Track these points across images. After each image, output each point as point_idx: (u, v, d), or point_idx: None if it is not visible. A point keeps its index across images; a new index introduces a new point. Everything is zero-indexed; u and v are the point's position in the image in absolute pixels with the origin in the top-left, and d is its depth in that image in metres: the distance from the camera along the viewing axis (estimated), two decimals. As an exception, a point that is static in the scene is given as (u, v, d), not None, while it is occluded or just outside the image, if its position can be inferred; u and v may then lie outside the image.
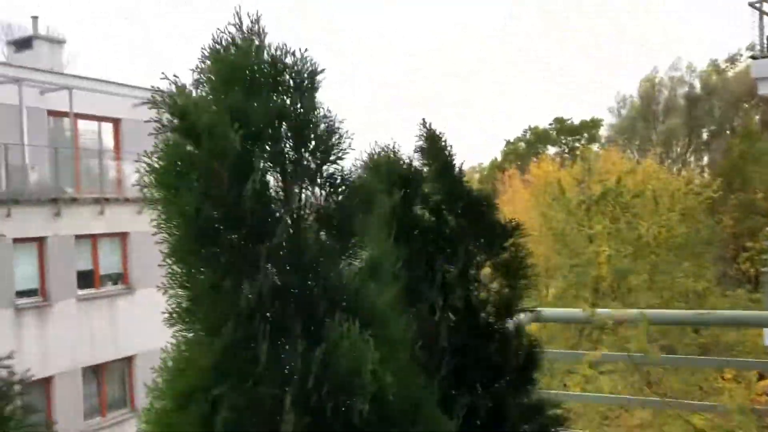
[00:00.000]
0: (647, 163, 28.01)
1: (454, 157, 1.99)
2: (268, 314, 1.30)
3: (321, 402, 1.26)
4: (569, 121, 46.60)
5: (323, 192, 1.44)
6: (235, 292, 1.29)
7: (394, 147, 1.94)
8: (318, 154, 1.43)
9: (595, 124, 45.81)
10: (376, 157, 1.90)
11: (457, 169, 1.98)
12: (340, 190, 1.45)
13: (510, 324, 2.00)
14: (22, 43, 19.20)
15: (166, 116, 1.36)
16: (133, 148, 18.12)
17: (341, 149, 1.46)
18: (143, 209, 17.56)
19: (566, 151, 45.16)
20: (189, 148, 1.35)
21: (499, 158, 46.82)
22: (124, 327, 17.15)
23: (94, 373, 16.94)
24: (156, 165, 1.37)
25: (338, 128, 1.46)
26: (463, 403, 1.79)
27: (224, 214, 1.32)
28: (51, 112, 16.86)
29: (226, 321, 1.30)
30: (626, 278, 22.29)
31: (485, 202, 1.99)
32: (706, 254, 24.84)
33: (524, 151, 46.14)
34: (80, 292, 16.72)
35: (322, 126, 1.44)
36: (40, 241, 15.76)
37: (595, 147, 42.36)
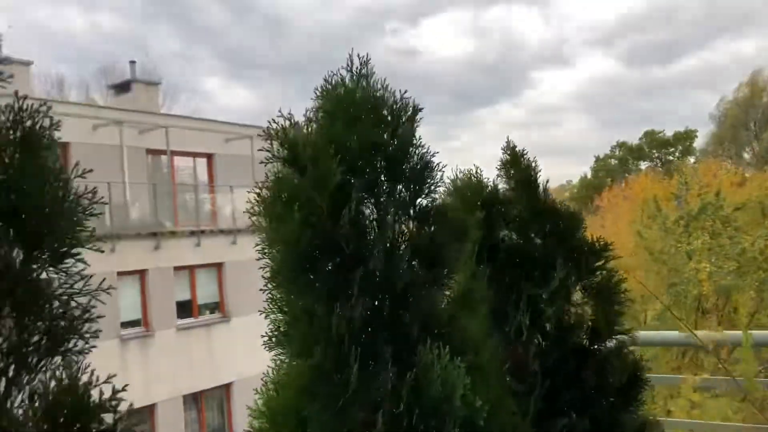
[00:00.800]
0: (755, 175, 26.56)
1: (538, 174, 1.94)
2: (359, 339, 1.33)
3: (411, 427, 1.27)
4: (661, 134, 44.95)
5: (416, 222, 1.48)
6: (328, 317, 1.34)
7: (476, 170, 1.91)
8: (411, 186, 1.48)
9: (688, 135, 44.00)
10: (459, 182, 1.88)
11: (541, 187, 1.92)
12: (431, 220, 1.48)
13: (610, 346, 1.92)
14: (122, 87, 20.39)
15: (276, 147, 1.44)
16: (226, 181, 18.86)
17: (434, 182, 1.50)
18: (236, 239, 18.16)
19: (659, 165, 43.51)
20: (294, 179, 1.42)
21: (589, 175, 45.63)
22: (221, 355, 17.66)
23: (194, 400, 17.47)
24: (264, 195, 1.45)
25: (431, 161, 1.50)
26: (561, 425, 1.74)
27: (322, 241, 1.38)
28: (149, 151, 17.74)
29: (318, 344, 1.34)
30: (731, 296, 21.11)
31: (573, 220, 1.92)
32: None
33: (615, 167, 44.79)
34: (179, 321, 17.36)
35: (416, 159, 1.49)
36: (142, 273, 16.50)
37: (691, 159, 40.66)
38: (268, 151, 1.44)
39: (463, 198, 1.87)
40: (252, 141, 19.24)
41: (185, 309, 17.80)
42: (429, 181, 1.50)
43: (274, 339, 1.43)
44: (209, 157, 19.44)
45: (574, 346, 1.89)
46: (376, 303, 1.38)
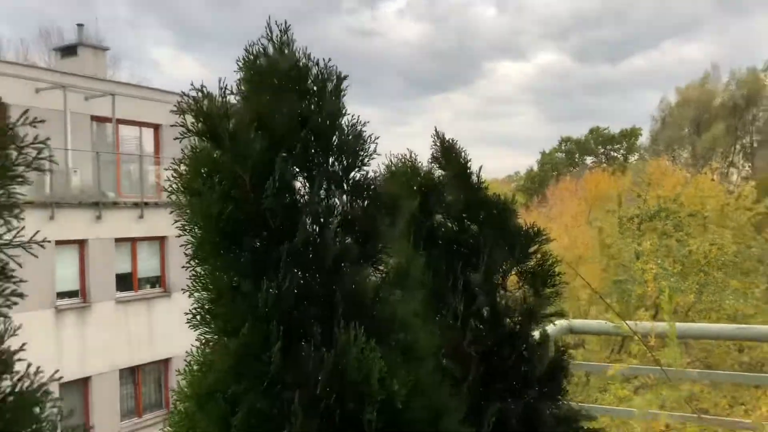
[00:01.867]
0: (702, 178, 27.36)
1: (470, 164, 1.97)
2: (288, 316, 1.30)
3: (330, 408, 1.26)
4: (606, 130, 46.00)
5: (348, 197, 1.44)
6: (255, 293, 1.30)
7: (411, 156, 1.93)
8: (342, 158, 1.44)
9: (633, 133, 45.15)
10: (394, 167, 1.89)
11: (474, 177, 1.95)
12: (364, 195, 1.45)
13: (542, 331, 1.97)
14: (68, 50, 19.71)
15: (191, 121, 1.39)
16: (172, 153, 18.42)
17: (366, 154, 1.46)
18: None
19: (604, 160, 44.55)
20: (214, 153, 1.37)
21: (535, 168, 46.42)
22: (161, 330, 17.41)
23: (132, 374, 17.20)
24: (182, 170, 1.40)
25: (362, 132, 1.46)
26: (493, 411, 1.77)
27: (246, 216, 1.34)
28: (94, 118, 17.25)
29: (244, 322, 1.31)
30: (672, 298, 21.81)
31: (506, 209, 1.96)
32: (756, 273, 24.24)
33: (561, 160, 45.67)
34: (119, 294, 17.02)
35: (346, 131, 1.44)
36: (81, 243, 16.10)
37: (635, 157, 41.75)
38: (182, 125, 1.39)
39: (398, 182, 1.88)
40: (202, 114, 18.84)
41: (125, 282, 17.46)
42: (361, 153, 1.46)
43: (198, 317, 1.39)
44: (156, 128, 19.01)
45: (508, 331, 1.91)
46: (305, 279, 1.35)
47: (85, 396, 15.75)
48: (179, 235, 1.41)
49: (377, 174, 1.52)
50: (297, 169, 1.39)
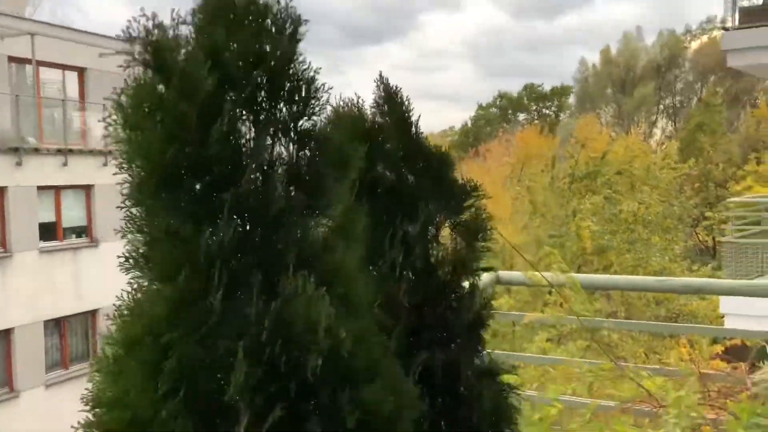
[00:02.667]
0: (631, 139, 28.18)
1: (411, 113, 1.95)
2: (228, 264, 1.28)
3: (274, 357, 1.26)
4: (540, 88, 46.66)
5: (295, 147, 1.41)
6: (193, 240, 1.27)
7: (358, 102, 1.90)
8: (292, 106, 1.39)
9: (565, 91, 45.96)
10: (340, 111, 1.87)
11: (414, 127, 1.94)
12: (312, 145, 1.42)
13: (471, 282, 2.01)
14: (-18, -14, 18.48)
15: (138, 50, 1.30)
16: (98, 99, 17.71)
17: (318, 104, 1.42)
18: (108, 161, 17.25)
19: (536, 117, 45.28)
20: (159, 87, 1.30)
21: (470, 123, 46.81)
22: (88, 280, 16.98)
23: (57, 326, 16.79)
24: (123, 103, 1.32)
25: (315, 80, 1.41)
26: (419, 361, 1.81)
27: (190, 158, 1.29)
28: (12, 59, 16.34)
29: (183, 268, 1.28)
30: (605, 254, 22.71)
31: (444, 161, 1.98)
32: (676, 230, 25.38)
33: (495, 116, 46.17)
34: (42, 244, 16.46)
35: (299, 76, 1.39)
36: (1, 191, 15.42)
37: (566, 114, 42.56)
38: (127, 54, 1.30)
39: (345, 128, 1.86)
40: (129, 58, 18.13)
41: (49, 231, 16.87)
42: (312, 102, 1.41)
43: (131, 261, 1.34)
44: (81, 71, 18.18)
45: (440, 282, 1.94)
46: (248, 228, 1.32)
47: (7, 348, 15.31)
48: (115, 173, 1.35)
49: (325, 119, 1.49)
50: (244, 113, 1.34)
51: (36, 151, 16.14)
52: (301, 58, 1.40)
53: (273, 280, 1.30)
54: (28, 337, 15.60)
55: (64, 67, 17.85)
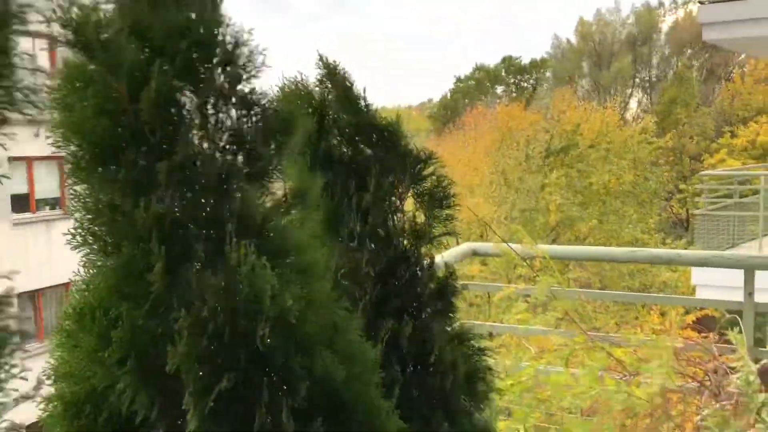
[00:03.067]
0: (607, 112, 28.32)
1: (355, 87, 1.94)
2: (168, 236, 1.28)
3: (218, 328, 1.26)
4: (518, 60, 46.61)
5: (237, 112, 1.39)
6: (133, 212, 1.27)
7: (303, 79, 1.88)
8: (228, 69, 1.37)
9: (543, 64, 45.96)
10: (286, 89, 1.87)
11: (362, 100, 1.93)
12: (254, 110, 1.40)
13: (425, 253, 2.00)
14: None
15: (59, 31, 1.31)
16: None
17: (254, 66, 1.40)
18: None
19: (513, 90, 45.30)
20: (86, 64, 1.30)
21: (449, 96, 46.70)
22: (62, 253, 16.78)
23: (31, 299, 16.65)
24: (56, 84, 1.33)
25: (247, 42, 1.39)
26: (386, 328, 1.82)
27: (125, 130, 1.29)
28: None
29: (125, 241, 1.28)
30: (574, 225, 22.99)
31: (395, 132, 1.98)
32: (650, 203, 25.74)
33: (473, 88, 46.10)
34: (15, 216, 16.24)
35: (230, 40, 1.37)
36: (-29, 162, 15.14)
37: (543, 87, 42.62)
38: (48, 36, 1.32)
39: (291, 104, 1.85)
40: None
41: (22, 203, 16.65)
42: (248, 64, 1.39)
43: (78, 238, 1.35)
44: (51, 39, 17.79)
45: (401, 251, 1.94)
46: (190, 198, 1.32)
47: (-20, 321, 15.17)
48: (54, 153, 1.36)
49: (269, 92, 1.47)
50: (180, 83, 1.32)
51: (5, 121, 15.81)
52: (230, 22, 1.38)
53: (217, 250, 1.29)
54: (1, 309, 15.44)
55: (34, 35, 17.46)
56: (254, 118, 1.39)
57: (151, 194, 1.28)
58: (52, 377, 1.35)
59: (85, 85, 1.29)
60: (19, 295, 16.04)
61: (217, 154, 1.35)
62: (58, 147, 1.32)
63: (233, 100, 1.38)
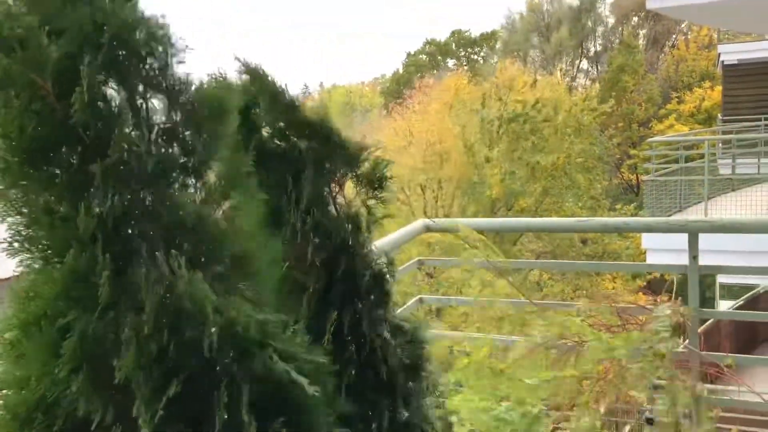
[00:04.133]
0: (551, 79, 28.64)
1: (282, 86, 1.92)
2: (112, 238, 1.26)
3: (162, 337, 1.26)
4: (467, 33, 46.71)
5: (167, 103, 1.36)
6: (74, 215, 1.24)
7: (222, 75, 1.87)
8: (153, 60, 1.34)
9: (493, 36, 46.14)
10: (206, 86, 1.83)
11: (288, 97, 1.91)
12: (182, 99, 1.37)
13: (363, 241, 2.00)
14: None
15: None
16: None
17: (176, 51, 1.37)
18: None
19: (465, 63, 45.46)
20: (3, 61, 1.24)
21: (401, 70, 46.62)
22: None
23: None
24: None
25: (165, 32, 1.36)
26: (331, 318, 1.83)
27: (55, 130, 1.25)
28: None
29: (67, 248, 1.25)
30: (517, 200, 23.35)
31: (325, 124, 1.96)
32: (597, 169, 26.24)
33: (425, 62, 46.09)
34: None
35: (150, 29, 1.34)
36: None
37: (494, 60, 42.84)
38: None
39: (217, 103, 1.82)
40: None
41: None
42: (171, 51, 1.36)
43: (16, 244, 1.30)
44: None
45: (342, 239, 1.95)
46: (128, 195, 1.28)
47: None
48: None
49: (197, 80, 1.44)
50: (106, 77, 1.29)
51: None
52: (148, 14, 1.34)
53: (156, 251, 1.28)
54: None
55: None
56: (184, 108, 1.36)
57: (89, 196, 1.25)
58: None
59: (5, 85, 1.24)
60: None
61: (152, 148, 1.31)
62: None
63: (161, 90, 1.35)
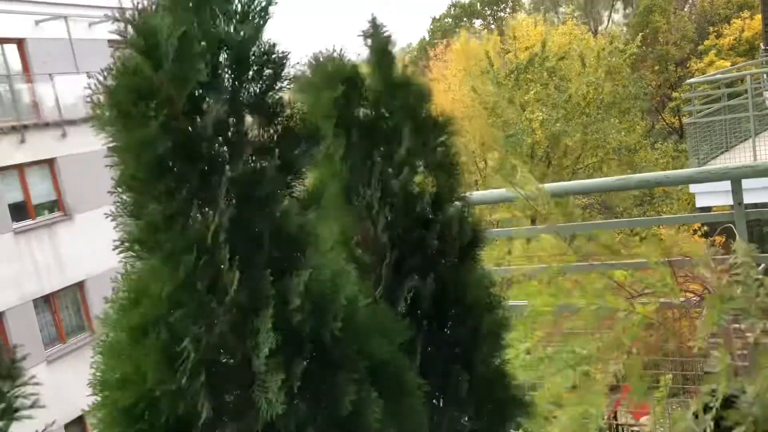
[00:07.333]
0: (567, 26, 27.95)
1: (393, 45, 1.96)
2: (231, 245, 1.34)
3: (300, 324, 1.34)
4: (492, -10, 45.68)
5: (265, 123, 1.44)
6: (194, 223, 1.33)
7: (337, 50, 1.90)
8: (260, 83, 1.41)
9: (518, -10, 45.06)
10: (320, 60, 1.87)
11: (394, 60, 1.96)
12: (280, 119, 1.45)
13: (451, 212, 2.07)
14: None
15: (127, 32, 1.29)
16: (44, 69, 17.16)
17: (282, 77, 1.45)
18: (66, 132, 16.86)
19: (492, 22, 44.58)
20: (149, 72, 1.29)
21: (427, 37, 45.98)
22: (69, 254, 16.91)
23: (46, 302, 16.82)
24: (111, 87, 1.31)
25: (275, 52, 1.43)
26: (408, 287, 1.88)
27: (181, 145, 1.31)
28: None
29: (186, 250, 1.32)
30: (560, 141, 22.90)
31: (421, 95, 2.00)
32: (635, 109, 25.59)
33: (450, 26, 45.36)
34: (16, 225, 16.28)
35: (262, 52, 1.41)
36: (-39, 177, 15.10)
37: (521, 15, 41.85)
38: (121, 35, 1.28)
39: (324, 76, 1.84)
40: (67, 22, 17.51)
41: (20, 211, 16.65)
42: (277, 75, 1.44)
43: (126, 244, 1.37)
44: (19, 42, 17.52)
45: (418, 215, 2.00)
46: (239, 209, 1.37)
47: (1, 331, 15.36)
48: (107, 165, 1.37)
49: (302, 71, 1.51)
50: (218, 95, 1.37)
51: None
52: (265, 37, 1.42)
53: (264, 256, 1.37)
54: (19, 318, 15.63)
55: (1, 41, 17.20)
56: (280, 128, 1.44)
57: (210, 205, 1.33)
58: (99, 387, 1.39)
59: (145, 95, 1.29)
60: (35, 302, 16.23)
61: (266, 169, 1.40)
62: (113, 153, 1.33)
63: (263, 111, 1.43)
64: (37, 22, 17.27)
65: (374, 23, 1.94)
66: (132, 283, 1.39)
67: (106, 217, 1.39)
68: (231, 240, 1.33)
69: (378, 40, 1.94)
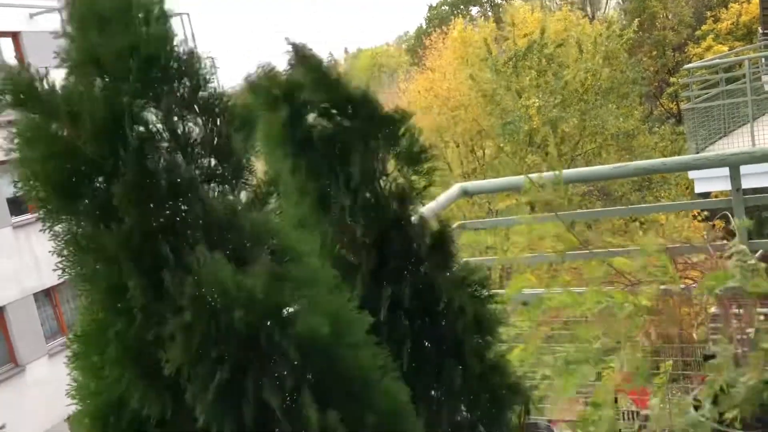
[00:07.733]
0: (562, 13, 27.83)
1: (327, 62, 1.96)
2: (139, 250, 1.36)
3: (204, 327, 1.34)
4: (489, -23, 45.45)
5: (202, 119, 1.44)
6: (100, 237, 1.38)
7: (269, 66, 1.89)
8: (185, 81, 1.41)
9: (516, -24, 44.80)
10: (252, 78, 1.86)
11: (334, 73, 1.95)
12: (216, 113, 1.44)
13: (416, 209, 2.05)
14: None
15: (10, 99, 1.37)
16: (41, 62, 16.98)
17: (206, 72, 1.44)
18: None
19: (489, 9, 44.40)
20: (51, 126, 1.35)
21: (425, 25, 45.80)
22: (68, 247, 16.86)
23: (47, 296, 16.83)
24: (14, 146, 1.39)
25: (194, 51, 1.43)
26: (386, 294, 1.87)
27: (77, 165, 1.35)
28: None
29: (99, 265, 1.36)
30: (557, 127, 22.88)
31: (368, 98, 1.98)
32: (633, 94, 25.56)
33: (447, 13, 45.15)
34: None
35: (179, 52, 1.41)
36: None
37: (517, 1, 41.66)
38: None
39: (259, 94, 1.85)
40: (62, 15, 17.44)
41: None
42: (202, 72, 1.44)
43: (67, 270, 1.45)
44: (15, 35, 17.44)
45: (392, 214, 1.98)
46: (153, 209, 1.37)
47: (3, 326, 15.39)
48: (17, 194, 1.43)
49: (231, 90, 1.51)
50: (143, 102, 1.37)
51: (-12, 127, 15.68)
52: (177, 37, 1.42)
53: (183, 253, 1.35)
54: (20, 312, 15.65)
55: (-3, 34, 17.13)
56: (217, 121, 1.43)
57: (114, 217, 1.33)
58: (75, 396, 1.42)
59: (55, 150, 1.35)
60: (35, 295, 16.24)
61: (182, 161, 1.39)
62: (26, 194, 1.39)
63: (196, 108, 1.42)
64: (31, 15, 17.15)
65: (296, 49, 1.95)
66: (83, 301, 1.45)
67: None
68: (141, 245, 1.36)
69: (310, 64, 1.94)
